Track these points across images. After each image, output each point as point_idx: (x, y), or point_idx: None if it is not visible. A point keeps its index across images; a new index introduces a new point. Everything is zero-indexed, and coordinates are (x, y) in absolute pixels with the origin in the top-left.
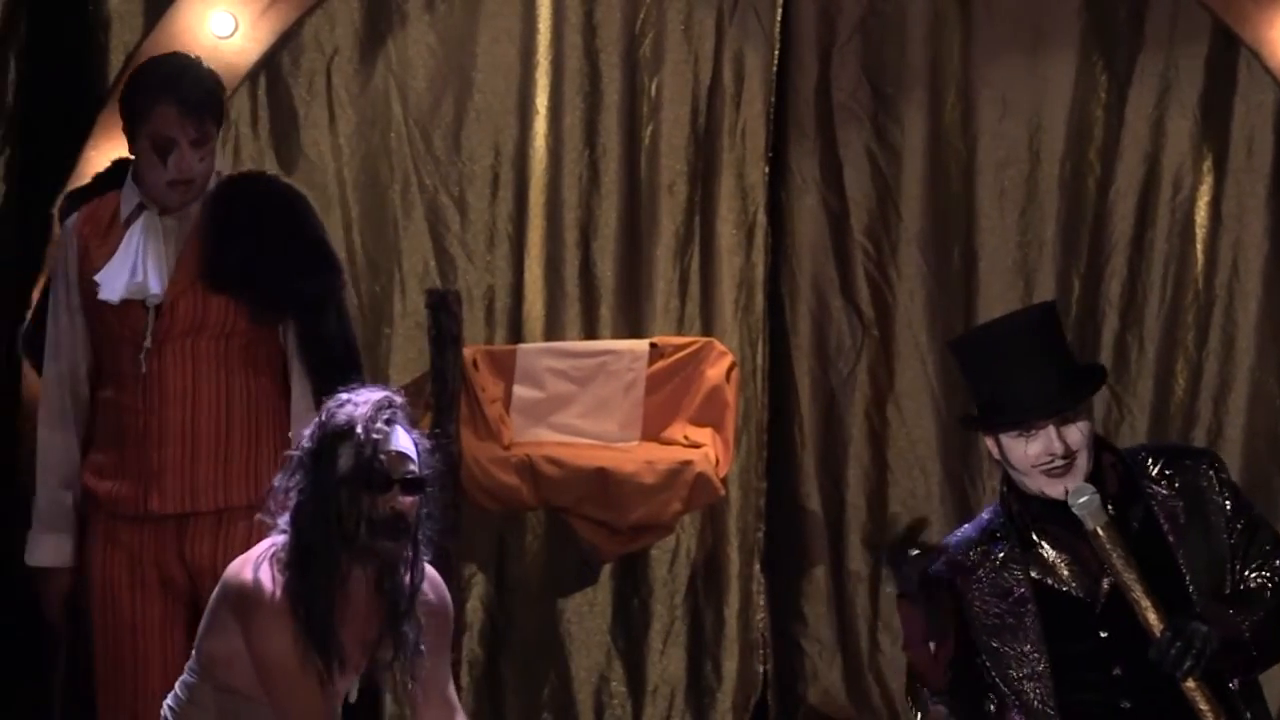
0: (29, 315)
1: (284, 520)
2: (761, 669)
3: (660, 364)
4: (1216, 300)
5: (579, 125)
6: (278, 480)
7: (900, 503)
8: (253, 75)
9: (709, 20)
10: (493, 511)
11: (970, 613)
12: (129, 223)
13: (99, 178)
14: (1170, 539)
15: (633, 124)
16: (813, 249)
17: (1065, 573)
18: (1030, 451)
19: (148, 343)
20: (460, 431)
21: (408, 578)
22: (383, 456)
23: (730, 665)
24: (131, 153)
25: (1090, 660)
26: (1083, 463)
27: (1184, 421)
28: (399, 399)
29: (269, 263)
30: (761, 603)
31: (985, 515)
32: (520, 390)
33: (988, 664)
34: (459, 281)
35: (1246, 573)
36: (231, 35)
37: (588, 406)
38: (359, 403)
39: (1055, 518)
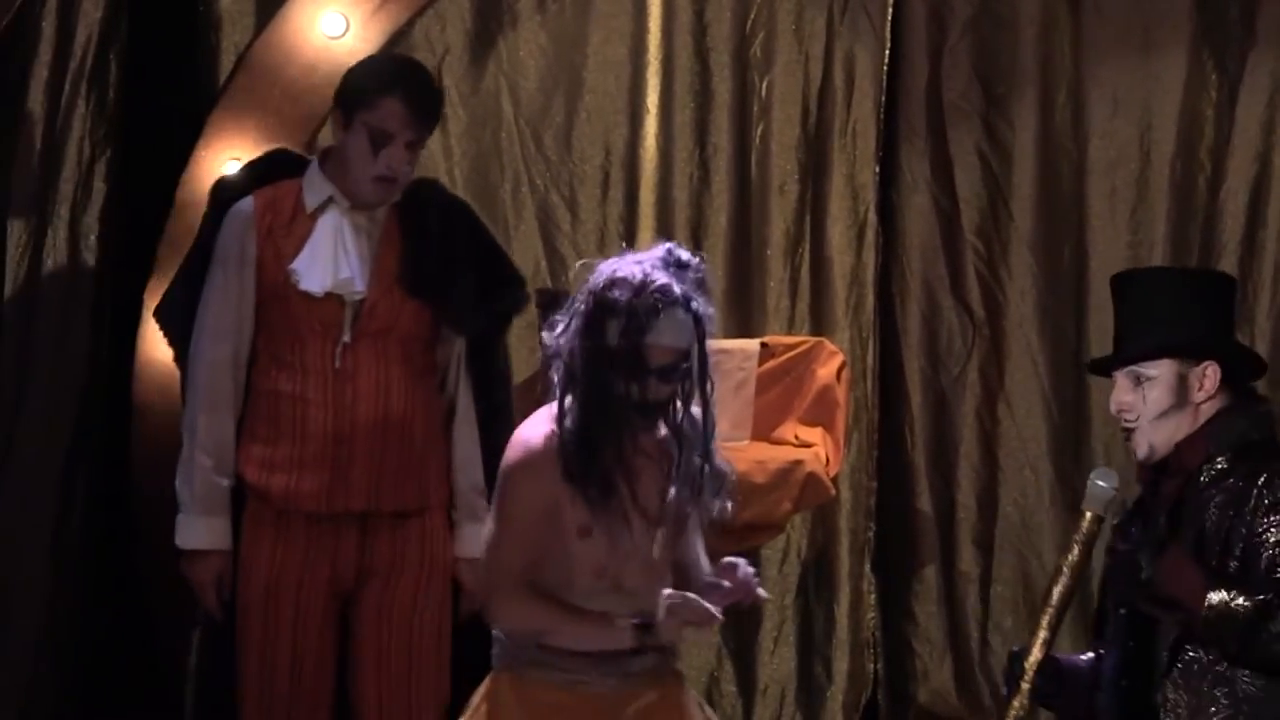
0: (166, 293)
1: (557, 376)
2: (872, 668)
3: (771, 363)
4: None
5: (689, 125)
6: (547, 334)
7: (1011, 503)
8: None
9: (820, 20)
10: None
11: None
12: (315, 214)
13: (257, 165)
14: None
15: (743, 124)
16: (923, 248)
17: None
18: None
19: (346, 338)
20: None
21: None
22: (643, 344)
23: (841, 665)
24: (339, 139)
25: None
26: (1146, 433)
27: None
28: (685, 258)
29: (465, 274)
30: (872, 602)
31: None
32: None
33: None
34: (570, 282)
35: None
36: (343, 35)
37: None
38: (633, 279)
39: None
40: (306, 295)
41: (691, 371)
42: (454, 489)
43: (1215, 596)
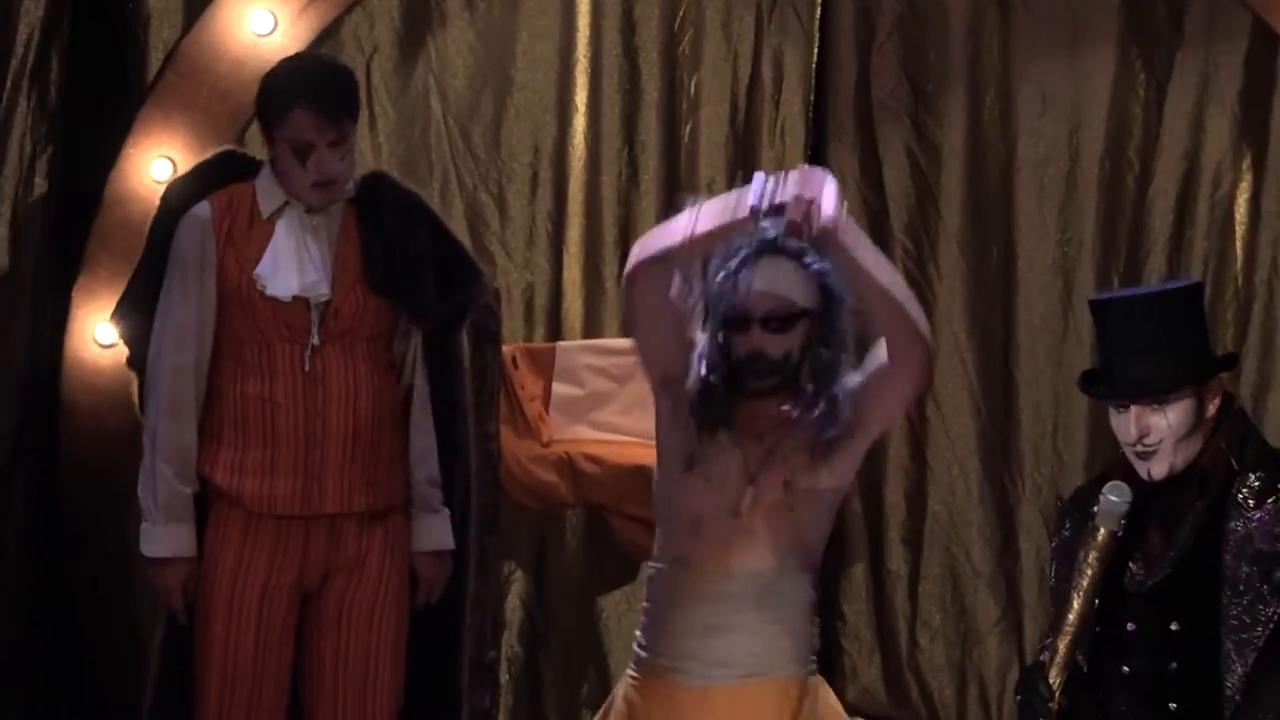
0: (122, 298)
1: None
2: None
3: None
4: (1256, 297)
5: (618, 123)
6: (680, 285)
7: (939, 501)
8: None
9: (748, 18)
10: (532, 509)
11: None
12: (273, 218)
13: (205, 168)
14: (1226, 568)
15: (672, 122)
16: None
17: (1132, 563)
18: (1120, 427)
19: (315, 340)
20: (499, 430)
21: (812, 400)
22: (742, 293)
23: None
24: (270, 154)
25: (1114, 645)
26: (1167, 451)
27: None
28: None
29: (428, 269)
30: None
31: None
32: (559, 388)
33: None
34: (498, 279)
35: None
36: (270, 33)
37: (627, 404)
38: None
39: (1150, 505)
40: (272, 299)
41: (816, 336)
42: (410, 482)
43: None
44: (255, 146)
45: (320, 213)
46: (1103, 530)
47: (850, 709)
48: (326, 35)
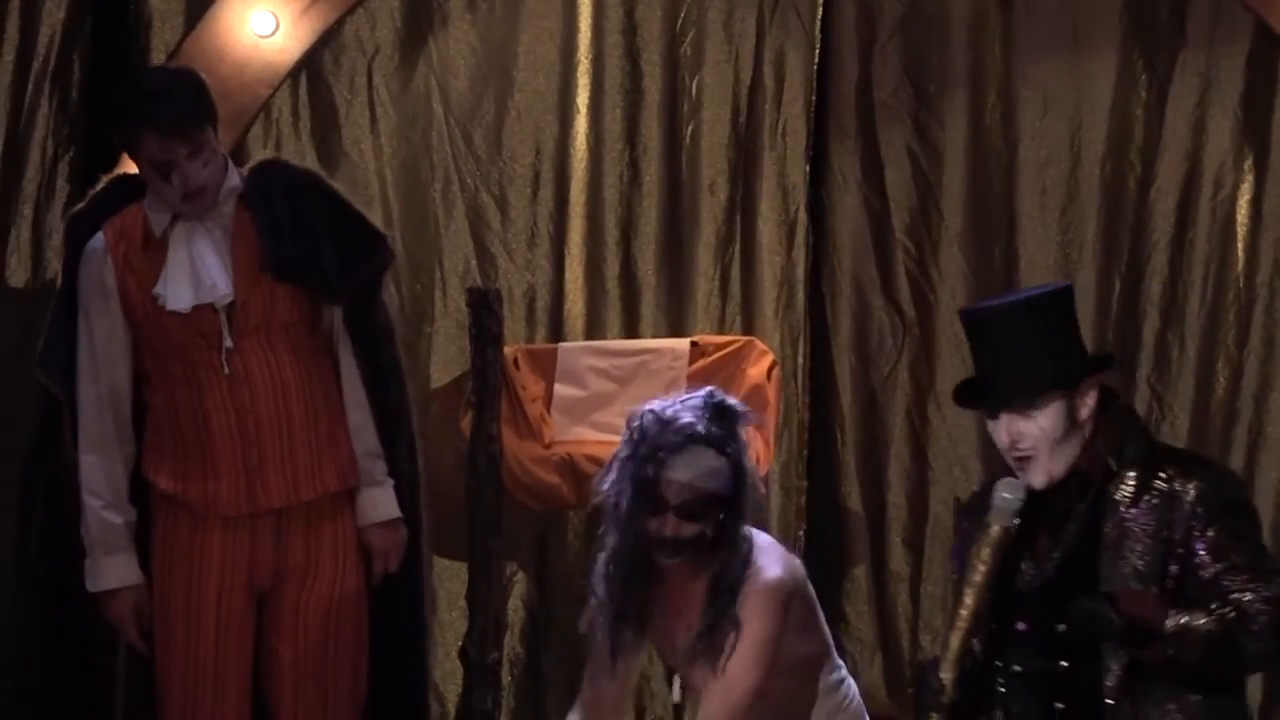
0: (43, 341)
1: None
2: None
3: (701, 363)
4: (1257, 299)
5: (620, 124)
6: (601, 478)
7: (941, 502)
8: (294, 74)
9: (750, 19)
10: (534, 510)
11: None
12: (165, 234)
13: (99, 196)
14: (1101, 568)
15: (673, 123)
16: (854, 248)
17: (1023, 561)
18: (994, 435)
19: (228, 343)
20: (501, 430)
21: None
22: (662, 480)
23: None
24: (140, 172)
25: (1007, 643)
26: (1044, 458)
27: (1224, 420)
28: (721, 403)
29: (326, 246)
30: None
31: None
32: (561, 389)
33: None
34: (500, 280)
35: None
36: (272, 34)
37: (629, 405)
38: (661, 414)
39: (1038, 506)
40: (174, 314)
41: (727, 519)
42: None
43: (1175, 619)
44: (257, 150)
45: (211, 216)
46: (995, 527)
47: None
48: (329, 36)
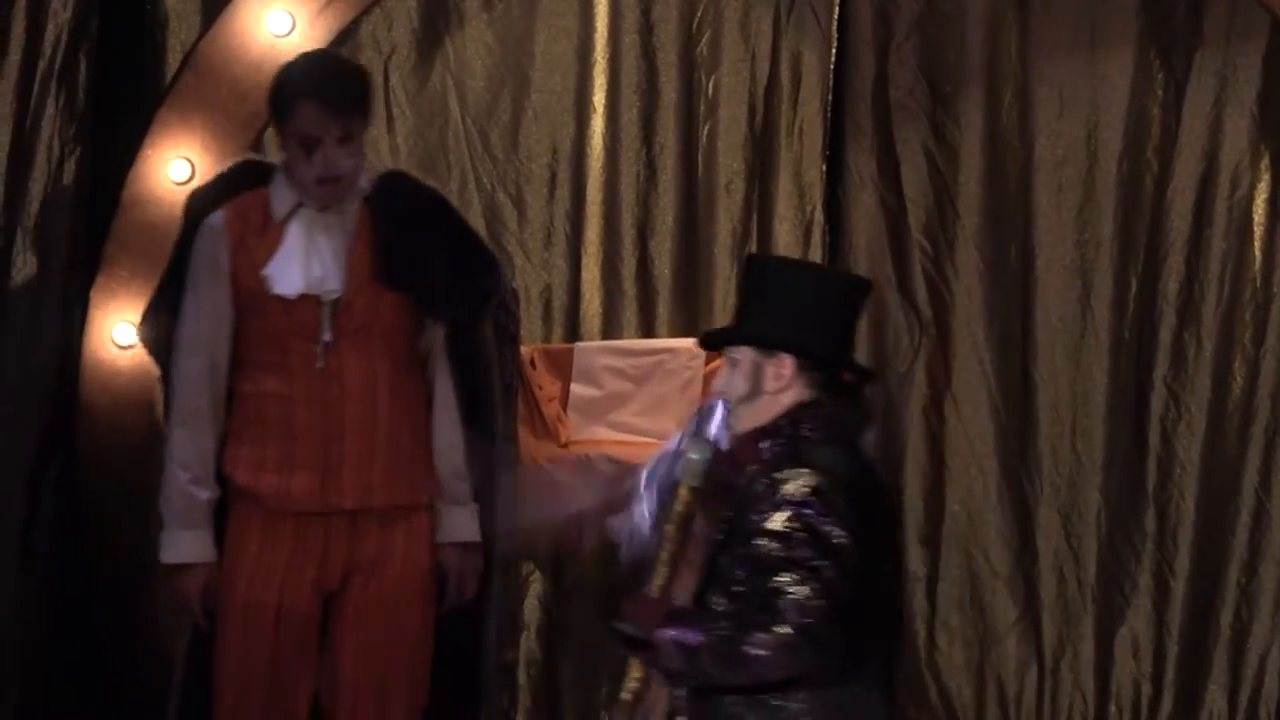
0: (146, 310)
1: None
2: None
3: (717, 362)
4: (1274, 298)
5: (636, 124)
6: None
7: (958, 501)
8: None
9: (766, 19)
10: None
11: None
12: (285, 220)
13: (226, 176)
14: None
15: (690, 123)
16: (870, 247)
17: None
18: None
19: (327, 337)
20: (518, 430)
21: None
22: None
23: None
24: (282, 149)
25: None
26: (734, 413)
27: (1241, 419)
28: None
29: (441, 261)
30: None
31: None
32: (578, 389)
33: None
34: (516, 280)
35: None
36: (289, 34)
37: (645, 405)
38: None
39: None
40: (282, 299)
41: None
42: (438, 475)
43: (667, 632)
44: (273, 149)
45: (334, 212)
46: (683, 486)
47: None
48: (345, 36)
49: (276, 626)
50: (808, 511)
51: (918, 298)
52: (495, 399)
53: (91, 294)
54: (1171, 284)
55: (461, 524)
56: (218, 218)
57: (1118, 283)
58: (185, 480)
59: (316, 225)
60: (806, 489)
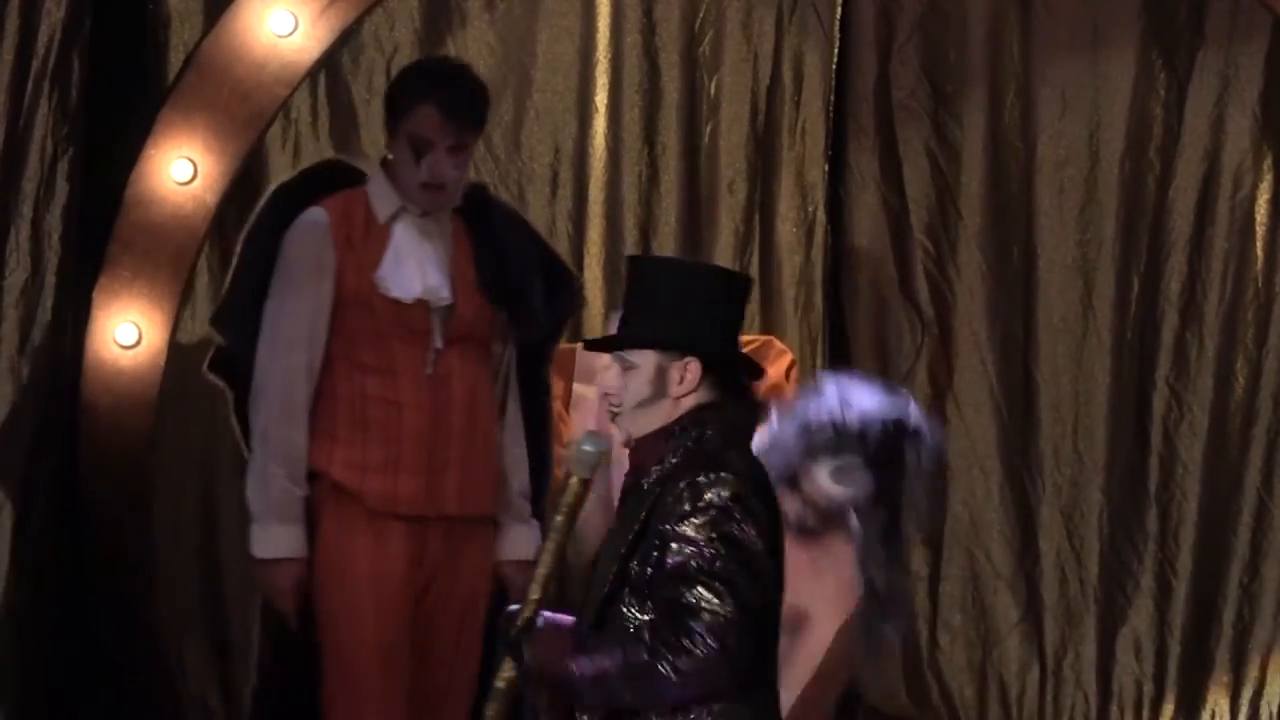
0: (225, 300)
1: None
2: None
3: None
4: (1276, 298)
5: (638, 124)
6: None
7: (960, 501)
8: (312, 74)
9: (768, 19)
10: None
11: None
12: (389, 223)
13: (313, 175)
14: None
15: (692, 123)
16: (872, 248)
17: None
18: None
19: (438, 344)
20: None
21: None
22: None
23: None
24: (387, 148)
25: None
26: (626, 420)
27: (1243, 419)
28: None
29: (537, 280)
30: None
31: None
32: (580, 388)
33: None
34: None
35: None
36: (291, 34)
37: None
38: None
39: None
40: (393, 301)
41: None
42: (504, 491)
43: (581, 665)
44: (275, 149)
45: (433, 219)
46: (575, 478)
47: (871, 710)
48: (347, 36)
49: (379, 623)
50: (727, 519)
51: (920, 298)
52: (552, 421)
53: (94, 294)
54: (1174, 284)
55: (525, 542)
56: (320, 215)
57: (1120, 282)
58: (283, 476)
59: (419, 231)
60: (727, 494)
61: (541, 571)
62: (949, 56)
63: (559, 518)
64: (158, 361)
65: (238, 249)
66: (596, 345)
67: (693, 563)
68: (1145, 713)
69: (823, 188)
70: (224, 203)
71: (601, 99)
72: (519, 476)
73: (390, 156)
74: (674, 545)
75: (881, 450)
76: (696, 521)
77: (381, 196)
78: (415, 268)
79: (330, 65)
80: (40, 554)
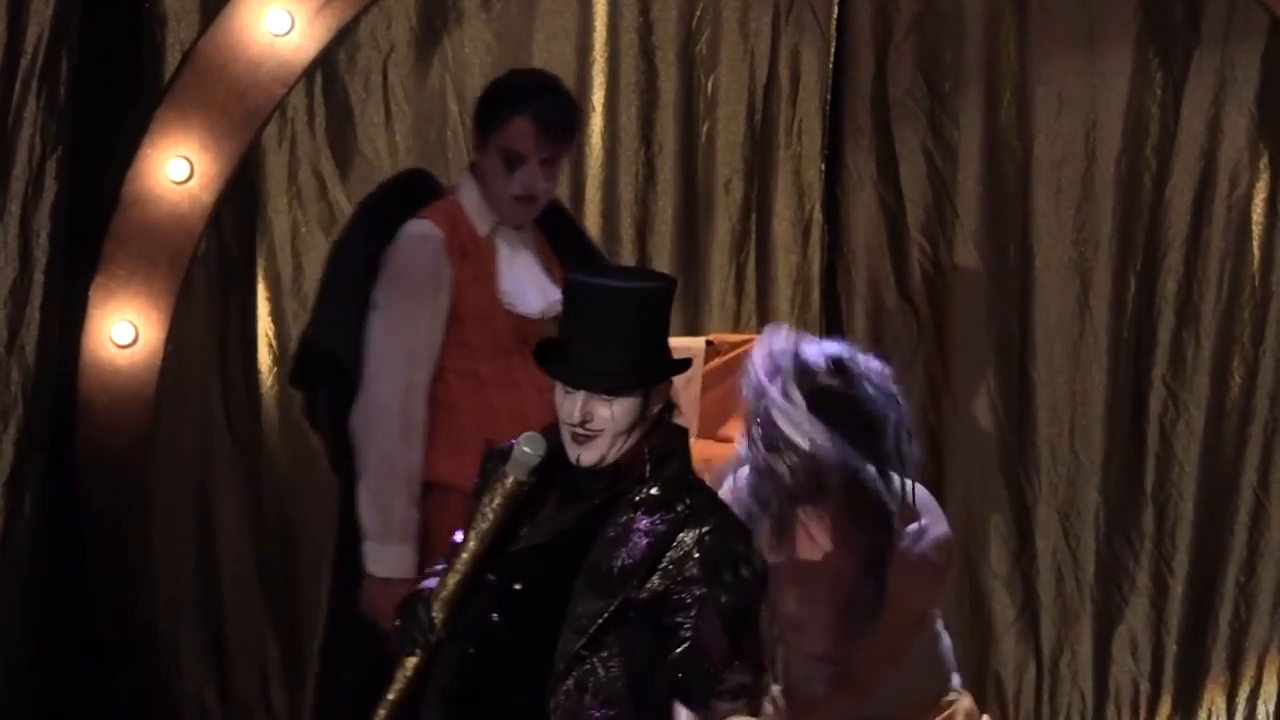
0: (323, 311)
1: None
2: None
3: (717, 361)
4: (1273, 297)
5: (635, 123)
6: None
7: (956, 501)
8: (309, 73)
9: (765, 18)
10: None
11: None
12: (489, 236)
13: (402, 185)
14: (582, 563)
15: (689, 122)
16: (869, 246)
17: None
18: (563, 407)
19: None
20: None
21: None
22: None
23: None
24: (476, 160)
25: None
26: (603, 444)
27: (1240, 419)
28: (840, 361)
29: None
30: None
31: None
32: None
33: None
34: None
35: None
36: (288, 33)
37: None
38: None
39: (564, 475)
40: (515, 315)
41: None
42: None
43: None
44: (272, 148)
45: (524, 231)
46: (510, 477)
47: None
48: (344, 35)
49: None
50: (745, 567)
51: (916, 297)
52: None
53: (90, 293)
54: (1170, 283)
55: None
56: (430, 227)
57: (1116, 282)
58: (405, 497)
59: (518, 243)
60: (739, 541)
61: (465, 562)
62: (945, 55)
63: (489, 513)
64: (154, 360)
65: (328, 258)
66: (587, 383)
67: (726, 609)
68: (1142, 712)
69: (819, 187)
70: (220, 201)
71: (598, 98)
72: None
73: (477, 167)
74: (693, 596)
75: (825, 395)
76: (725, 578)
77: (476, 209)
78: (530, 281)
79: (327, 64)
80: (30, 555)
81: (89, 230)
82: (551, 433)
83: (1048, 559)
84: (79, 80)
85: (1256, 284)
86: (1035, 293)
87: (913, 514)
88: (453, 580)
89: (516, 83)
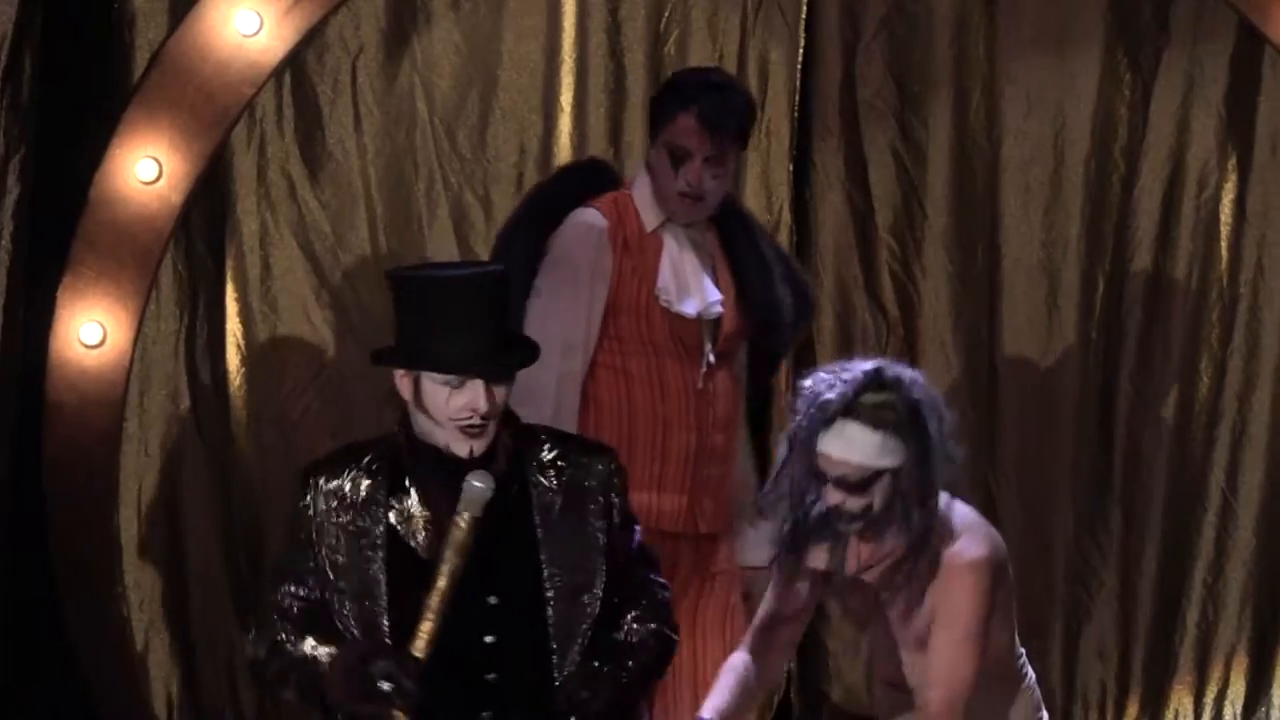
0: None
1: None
2: (785, 667)
3: None
4: (1241, 298)
5: (604, 124)
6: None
7: None
8: (278, 74)
9: (733, 18)
10: None
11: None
12: (657, 232)
13: (577, 174)
14: (539, 532)
15: None
16: (837, 247)
17: (420, 532)
18: (454, 403)
19: (711, 358)
20: None
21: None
22: (820, 454)
23: None
24: (652, 154)
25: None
26: (491, 431)
27: (1208, 419)
28: (881, 374)
29: (786, 295)
30: None
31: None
32: None
33: (335, 604)
34: None
35: (627, 617)
36: (256, 33)
37: None
38: (824, 388)
39: (441, 476)
40: (672, 314)
41: (900, 491)
42: (737, 503)
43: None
44: (241, 148)
45: (695, 229)
46: (467, 515)
47: (835, 709)
48: (312, 35)
49: None
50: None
51: (884, 298)
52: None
53: (58, 293)
54: (1138, 283)
55: (763, 548)
56: (596, 216)
57: (1084, 282)
58: None
59: (687, 241)
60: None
61: (436, 605)
62: (914, 56)
63: (452, 558)
64: (123, 361)
65: (495, 244)
66: (485, 368)
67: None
68: (1109, 713)
69: (787, 187)
70: (189, 202)
71: (567, 98)
72: (751, 486)
73: (649, 163)
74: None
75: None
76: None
77: (647, 204)
78: (692, 280)
79: (295, 65)
80: (7, 550)
81: (54, 231)
82: (381, 444)
83: (1015, 560)
84: (43, 80)
85: (1224, 285)
86: (1003, 293)
87: (952, 535)
88: (429, 625)
89: (686, 80)
